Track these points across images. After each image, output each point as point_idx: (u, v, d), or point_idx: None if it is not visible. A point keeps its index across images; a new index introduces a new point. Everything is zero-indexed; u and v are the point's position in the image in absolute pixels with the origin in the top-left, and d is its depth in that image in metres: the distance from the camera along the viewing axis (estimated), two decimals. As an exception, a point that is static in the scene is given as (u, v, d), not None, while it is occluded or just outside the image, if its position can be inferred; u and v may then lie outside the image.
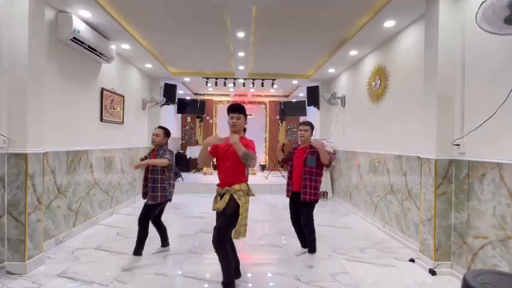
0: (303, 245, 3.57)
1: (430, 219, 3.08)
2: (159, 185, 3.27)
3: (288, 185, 3.56)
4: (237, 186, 2.60)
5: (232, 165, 2.60)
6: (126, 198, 5.77)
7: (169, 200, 3.43)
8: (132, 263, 3.18)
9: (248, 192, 2.68)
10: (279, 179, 8.44)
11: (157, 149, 3.42)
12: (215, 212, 2.69)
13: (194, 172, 9.82)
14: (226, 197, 2.57)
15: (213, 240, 2.52)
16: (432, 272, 2.99)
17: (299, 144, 3.61)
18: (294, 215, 3.56)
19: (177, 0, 3.57)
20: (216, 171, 2.74)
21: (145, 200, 3.33)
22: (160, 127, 3.51)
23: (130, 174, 5.93)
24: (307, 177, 3.35)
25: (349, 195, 5.94)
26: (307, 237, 3.51)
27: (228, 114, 2.66)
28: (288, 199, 3.59)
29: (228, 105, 2.70)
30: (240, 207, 2.54)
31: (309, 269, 3.12)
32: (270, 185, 7.52)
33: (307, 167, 3.37)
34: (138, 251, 3.35)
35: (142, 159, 3.47)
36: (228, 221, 2.55)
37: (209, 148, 2.62)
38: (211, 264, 3.15)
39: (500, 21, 2.14)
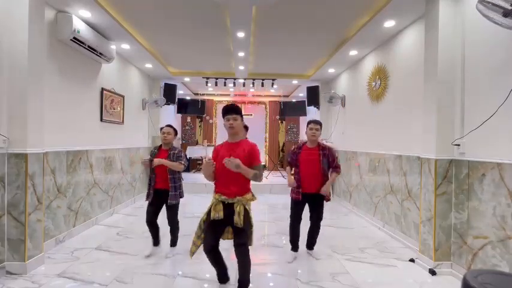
0: (296, 249, 3.50)
1: (430, 219, 3.08)
2: (180, 184, 3.45)
3: (298, 187, 3.30)
4: (248, 196, 2.45)
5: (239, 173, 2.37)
6: (126, 198, 5.76)
7: (182, 196, 3.51)
8: (132, 263, 3.18)
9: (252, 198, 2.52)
10: (279, 179, 8.43)
11: (171, 148, 3.41)
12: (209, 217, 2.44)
13: (194, 172, 9.82)
14: (241, 210, 2.36)
15: (243, 253, 2.38)
16: (432, 272, 2.99)
17: (304, 143, 3.41)
18: (299, 217, 3.41)
19: (177, 0, 3.58)
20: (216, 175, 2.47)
21: (170, 201, 3.33)
22: (169, 126, 3.47)
23: (130, 174, 5.93)
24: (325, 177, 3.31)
25: (349, 195, 5.94)
26: (314, 236, 3.48)
27: (224, 117, 2.45)
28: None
29: (223, 107, 2.49)
30: (251, 216, 2.47)
31: (309, 269, 3.12)
32: (270, 185, 7.51)
33: (323, 168, 3.28)
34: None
35: (151, 159, 3.36)
36: (247, 234, 2.43)
37: (213, 169, 2.42)
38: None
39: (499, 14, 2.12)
